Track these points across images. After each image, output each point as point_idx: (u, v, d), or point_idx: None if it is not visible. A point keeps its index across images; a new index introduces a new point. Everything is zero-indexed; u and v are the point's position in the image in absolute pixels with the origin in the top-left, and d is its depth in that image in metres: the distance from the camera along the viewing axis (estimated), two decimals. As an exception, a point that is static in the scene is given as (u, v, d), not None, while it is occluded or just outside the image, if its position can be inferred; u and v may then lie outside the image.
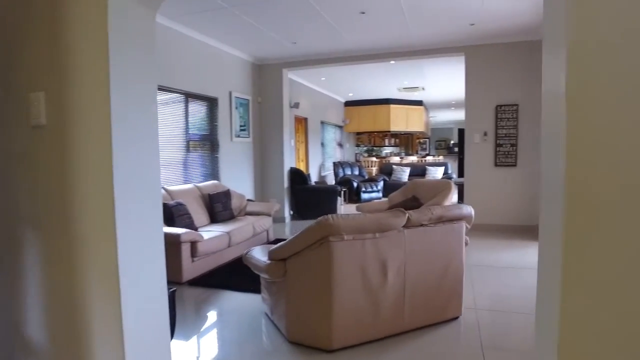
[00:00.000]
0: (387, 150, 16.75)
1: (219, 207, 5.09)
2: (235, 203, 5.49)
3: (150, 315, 1.72)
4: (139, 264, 1.65)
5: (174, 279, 3.84)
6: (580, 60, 1.01)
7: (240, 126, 6.64)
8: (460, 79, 9.65)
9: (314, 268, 2.52)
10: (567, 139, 1.03)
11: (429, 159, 13.51)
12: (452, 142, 21.44)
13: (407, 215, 2.65)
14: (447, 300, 2.94)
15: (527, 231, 6.08)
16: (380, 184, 10.38)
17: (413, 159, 13.06)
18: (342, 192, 9.58)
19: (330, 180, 11.62)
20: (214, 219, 5.02)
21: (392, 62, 7.61)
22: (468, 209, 2.97)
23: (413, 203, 5.50)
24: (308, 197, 7.54)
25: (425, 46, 6.40)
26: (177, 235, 3.77)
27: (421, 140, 16.08)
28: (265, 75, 7.30)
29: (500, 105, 6.24)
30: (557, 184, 1.08)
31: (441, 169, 11.11)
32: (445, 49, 6.42)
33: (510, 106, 6.21)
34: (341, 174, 10.69)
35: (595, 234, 1.01)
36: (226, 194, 5.32)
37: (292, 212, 7.63)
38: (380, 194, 10.27)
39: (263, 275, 2.83)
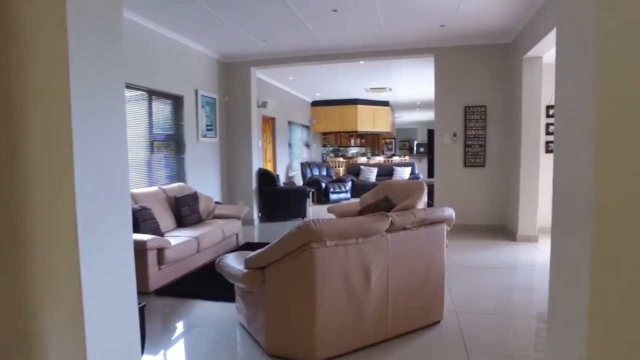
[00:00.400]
0: (353, 150, 16.77)
1: (186, 210, 4.84)
2: (203, 206, 5.25)
3: (118, 335, 1.53)
4: (105, 279, 1.46)
5: (140, 288, 3.56)
6: (610, 63, 0.93)
7: (207, 126, 6.38)
8: (427, 80, 9.78)
9: (295, 276, 2.38)
10: (596, 138, 0.95)
11: (396, 159, 13.64)
12: (415, 142, 21.84)
13: (390, 219, 2.56)
14: (429, 304, 2.87)
15: (496, 231, 6.18)
16: (349, 185, 10.34)
17: (380, 159, 13.14)
18: (311, 193, 9.46)
19: (298, 181, 11.48)
20: (180, 223, 4.76)
21: (362, 62, 7.57)
22: (449, 211, 2.92)
23: (385, 204, 5.46)
24: (277, 199, 7.37)
25: (395, 46, 6.38)
26: (143, 242, 3.52)
27: (387, 141, 16.23)
28: (233, 74, 7.07)
29: (469, 107, 6.32)
30: (583, 187, 1.00)
31: (408, 169, 11.21)
32: (415, 50, 6.42)
33: (479, 107, 6.29)
34: (309, 175, 10.58)
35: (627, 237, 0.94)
36: (193, 197, 5.08)
37: (260, 214, 7.44)
38: (349, 195, 10.24)
39: (239, 285, 2.66)
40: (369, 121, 13.23)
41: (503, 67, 6.13)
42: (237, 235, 5.39)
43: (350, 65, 8.06)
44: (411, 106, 15.21)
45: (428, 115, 19.20)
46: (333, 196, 9.88)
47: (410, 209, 5.07)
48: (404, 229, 2.67)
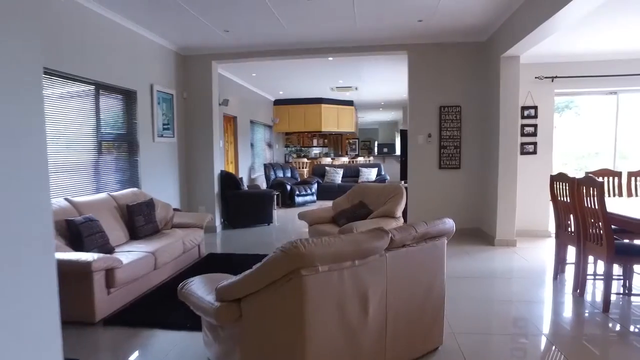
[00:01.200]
0: (316, 150, 16.42)
1: (140, 220, 4.26)
2: (160, 214, 4.68)
3: None
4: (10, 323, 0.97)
5: (83, 318, 3.01)
6: None
7: (164, 124, 5.78)
8: (395, 79, 9.56)
9: (281, 309, 1.95)
10: None
11: (360, 159, 13.39)
12: (376, 142, 21.79)
13: (389, 235, 2.18)
14: (429, 329, 2.52)
15: (473, 234, 5.99)
16: (315, 187, 9.95)
17: (344, 160, 12.85)
18: (275, 196, 8.99)
19: (262, 184, 10.96)
20: (134, 235, 4.18)
21: (330, 58, 7.21)
22: (450, 223, 2.59)
23: (362, 210, 5.12)
24: (241, 204, 6.85)
25: (368, 42, 6.04)
26: (87, 264, 2.94)
27: (351, 141, 15.99)
28: (192, 68, 6.47)
29: (444, 107, 6.09)
30: None
31: (374, 170, 10.97)
32: (388, 47, 6.12)
33: (454, 107, 6.08)
34: (273, 177, 10.10)
35: None
36: (149, 204, 4.50)
37: (223, 221, 6.89)
38: (315, 197, 9.85)
39: (209, 320, 2.18)
40: (333, 121, 12.91)
41: (478, 66, 5.95)
42: (199, 246, 4.86)
43: (318, 62, 7.66)
44: (375, 106, 15.05)
45: (391, 116, 19.19)
46: (299, 199, 9.45)
47: (390, 215, 4.76)
48: (404, 245, 2.30)
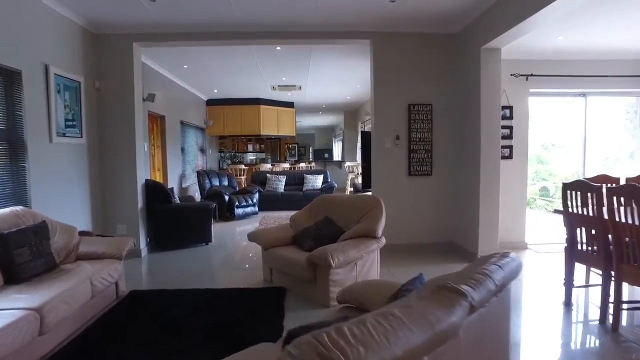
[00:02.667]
0: (251, 156, 15.21)
1: (23, 254, 2.92)
2: (58, 242, 3.36)
3: None
4: None
5: None
6: None
7: (67, 120, 4.40)
8: (343, 79, 8.76)
9: None
10: None
11: (302, 165, 12.46)
12: (311, 148, 21.03)
13: (468, 298, 1.24)
14: None
15: (447, 249, 5.29)
16: (256, 196, 8.82)
17: (285, 166, 11.83)
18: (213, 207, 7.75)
19: (195, 194, 9.60)
20: (12, 277, 2.84)
21: (278, 47, 6.22)
22: (517, 260, 1.71)
23: (330, 228, 4.13)
24: (173, 220, 5.58)
25: (327, 27, 5.13)
26: None
27: (290, 146, 15.01)
28: (108, 50, 5.11)
29: (414, 105, 5.35)
30: None
31: (320, 177, 10.09)
32: (350, 33, 5.25)
33: (424, 106, 5.36)
34: (208, 186, 8.81)
35: None
36: (39, 230, 3.17)
37: (149, 240, 5.56)
38: (256, 208, 8.72)
39: None
40: (272, 124, 11.87)
41: (451, 60, 5.29)
42: (117, 283, 3.59)
43: (262, 53, 6.64)
44: (315, 109, 14.25)
45: (329, 120, 18.52)
46: (239, 211, 8.27)
47: (369, 234, 3.83)
48: (473, 308, 1.37)
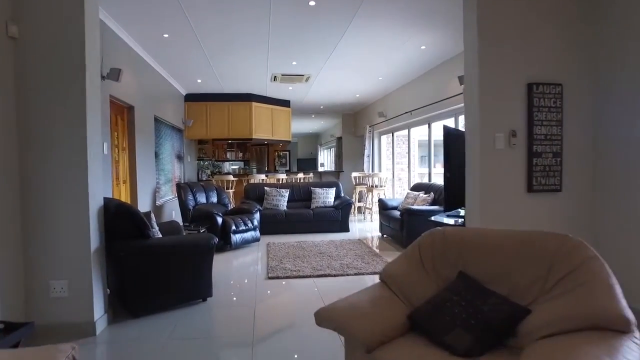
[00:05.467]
0: (233, 166, 13.00)
1: None
2: None
3: None
4: None
5: None
6: None
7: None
8: (376, 60, 6.71)
9: None
10: None
11: (300, 176, 10.37)
12: (296, 157, 19.00)
13: None
14: None
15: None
16: (257, 218, 6.66)
17: (282, 177, 9.69)
18: (201, 233, 5.55)
19: (170, 213, 7.35)
20: None
21: (312, 2, 4.21)
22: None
23: (490, 303, 1.87)
24: (151, 267, 3.38)
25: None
26: None
27: (281, 153, 12.89)
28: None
29: (536, 85, 3.43)
30: None
31: (332, 191, 8.04)
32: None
33: (552, 87, 3.45)
34: (192, 203, 6.58)
35: None
36: None
37: (109, 306, 3.32)
38: (257, 232, 6.56)
39: None
40: (266, 125, 9.77)
41: (597, 19, 3.42)
42: None
43: (280, 18, 4.61)
44: (310, 111, 12.26)
45: (319, 125, 16.52)
46: (236, 237, 6.10)
47: (608, 324, 1.79)
48: None
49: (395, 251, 5.87)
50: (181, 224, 6.50)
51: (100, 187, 3.20)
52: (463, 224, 3.67)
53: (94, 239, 3.03)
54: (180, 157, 8.75)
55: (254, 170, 12.93)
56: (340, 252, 5.75)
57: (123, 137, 5.45)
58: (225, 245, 5.98)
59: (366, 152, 10.63)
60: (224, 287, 4.25)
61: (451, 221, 4.16)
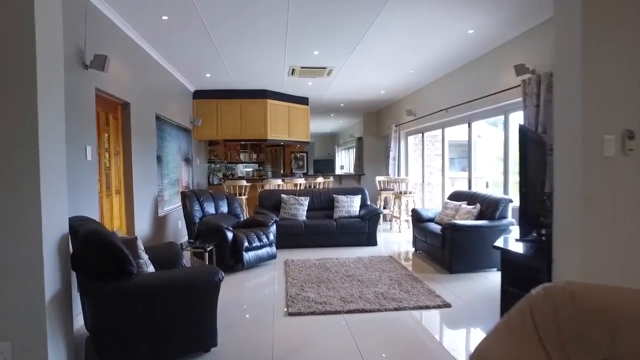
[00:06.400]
0: (246, 168, 12.20)
1: None
2: None
3: None
4: None
5: None
6: None
7: None
8: (410, 50, 5.70)
9: None
10: None
11: (319, 180, 9.49)
12: (313, 159, 18.07)
13: None
14: None
15: None
16: (273, 231, 5.79)
17: (300, 181, 8.80)
18: (208, 251, 4.71)
19: (176, 225, 6.56)
20: None
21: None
22: None
23: None
24: (133, 312, 2.52)
25: None
26: None
27: (297, 155, 12.03)
28: None
29: (670, 62, 2.47)
30: None
31: (357, 199, 7.13)
32: None
33: (694, 65, 2.49)
34: (198, 214, 5.75)
35: None
36: None
37: (85, 354, 2.48)
38: (274, 249, 5.68)
39: None
40: (282, 125, 8.90)
41: None
42: None
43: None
44: (329, 110, 11.36)
45: (337, 125, 15.60)
46: (249, 255, 5.24)
47: None
48: None
49: (437, 273, 4.94)
50: (186, 239, 5.68)
51: (65, 210, 2.36)
52: (549, 259, 2.72)
53: (51, 282, 2.19)
54: (188, 160, 7.94)
55: (269, 174, 12.10)
56: (372, 274, 4.84)
57: (116, 139, 4.63)
58: (237, 264, 5.13)
59: (391, 154, 9.68)
60: (233, 328, 3.38)
61: (520, 248, 3.23)
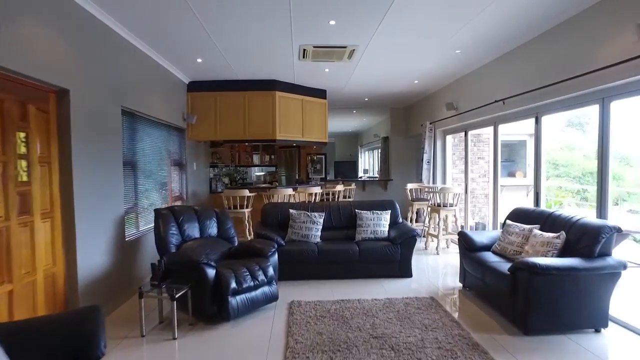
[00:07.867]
0: (258, 172, 10.80)
1: None
2: None
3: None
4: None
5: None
6: None
7: None
8: (438, 32, 4.13)
9: None
10: None
11: (339, 188, 7.97)
12: (333, 161, 16.56)
13: None
14: None
15: None
16: (272, 263, 4.32)
17: (316, 190, 7.30)
18: (178, 298, 3.29)
19: (155, 255, 5.17)
20: None
21: None
22: None
23: None
24: None
25: None
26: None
27: (315, 157, 10.55)
28: None
29: None
30: None
31: (387, 215, 5.59)
32: None
33: None
34: (175, 239, 4.30)
35: None
36: None
37: None
38: (274, 287, 4.19)
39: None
40: (295, 122, 7.43)
41: None
42: None
43: None
44: (350, 104, 9.83)
45: (360, 123, 14.04)
46: (238, 301, 3.77)
47: None
48: None
49: (505, 334, 3.38)
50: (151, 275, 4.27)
51: None
52: None
53: None
54: (180, 165, 6.57)
55: (283, 179, 10.65)
56: (409, 333, 3.34)
57: (45, 141, 3.24)
58: (222, 314, 3.68)
59: (425, 156, 8.09)
60: None
61: None
